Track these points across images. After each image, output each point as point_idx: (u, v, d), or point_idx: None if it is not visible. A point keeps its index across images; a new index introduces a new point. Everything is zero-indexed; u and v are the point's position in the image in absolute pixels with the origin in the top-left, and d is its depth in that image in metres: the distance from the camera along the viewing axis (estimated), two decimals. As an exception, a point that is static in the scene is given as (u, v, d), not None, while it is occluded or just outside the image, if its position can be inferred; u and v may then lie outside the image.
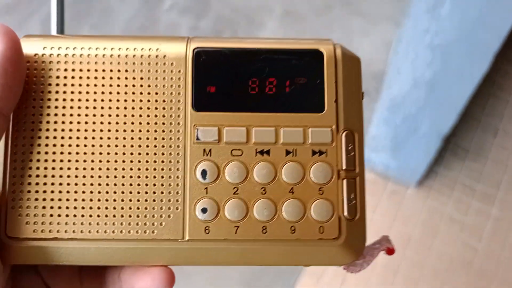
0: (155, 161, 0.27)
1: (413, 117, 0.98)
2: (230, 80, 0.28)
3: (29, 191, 0.27)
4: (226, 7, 1.39)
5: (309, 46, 0.29)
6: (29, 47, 0.28)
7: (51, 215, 0.27)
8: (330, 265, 0.28)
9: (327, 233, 0.27)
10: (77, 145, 0.27)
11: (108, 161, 0.27)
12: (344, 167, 0.28)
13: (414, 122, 0.98)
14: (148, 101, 0.27)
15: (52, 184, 0.27)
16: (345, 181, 0.28)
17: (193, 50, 0.28)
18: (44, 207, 0.27)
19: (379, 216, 1.10)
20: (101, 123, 0.27)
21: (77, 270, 0.30)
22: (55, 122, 0.27)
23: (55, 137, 0.27)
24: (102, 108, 0.27)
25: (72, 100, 0.27)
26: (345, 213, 0.27)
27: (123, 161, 0.27)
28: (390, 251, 0.31)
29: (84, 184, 0.27)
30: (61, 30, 0.31)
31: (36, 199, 0.27)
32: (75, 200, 0.27)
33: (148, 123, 0.27)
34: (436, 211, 1.11)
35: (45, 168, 0.27)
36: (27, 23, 1.28)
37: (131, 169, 0.27)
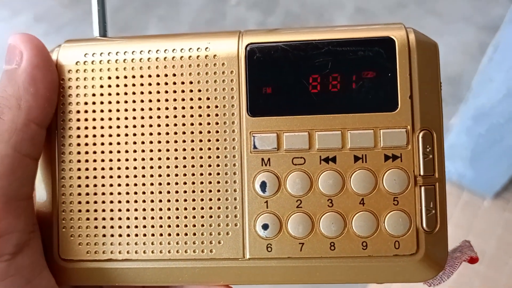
0: (210, 174, 0.25)
1: (500, 127, 0.92)
2: (288, 79, 0.25)
3: (80, 211, 0.25)
4: (295, 3, 1.34)
5: (378, 34, 0.25)
6: (70, 55, 0.26)
7: (104, 235, 0.25)
8: (407, 282, 0.25)
9: (404, 248, 0.24)
10: (127, 160, 0.25)
11: (160, 176, 0.25)
12: (421, 173, 0.24)
13: (500, 133, 0.92)
14: (199, 107, 0.25)
15: (103, 202, 0.25)
16: (423, 188, 0.24)
17: (246, 47, 0.25)
18: (96, 227, 0.25)
19: (452, 228, 1.02)
20: (150, 134, 0.25)
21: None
22: (102, 136, 0.25)
23: (102, 152, 0.25)
24: (150, 117, 0.25)
25: (118, 110, 0.25)
26: (424, 225, 0.24)
27: (176, 175, 0.25)
28: (474, 260, 0.27)
29: (136, 202, 0.25)
30: (104, 31, 0.28)
31: (88, 219, 0.25)
32: (128, 219, 0.25)
33: (200, 132, 0.25)
34: None
35: (95, 186, 0.25)
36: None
37: (185, 183, 0.25)
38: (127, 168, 0.25)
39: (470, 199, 1.07)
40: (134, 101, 0.25)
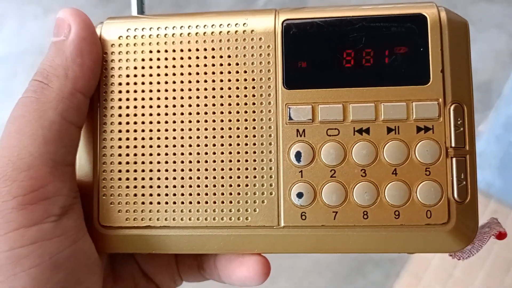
0: (246, 144, 0.26)
1: None
2: (323, 54, 0.26)
3: (120, 179, 0.26)
4: (323, 3, 1.35)
5: (410, 11, 0.26)
6: (113, 30, 0.27)
7: (143, 203, 0.26)
8: (438, 252, 0.26)
9: (435, 217, 0.25)
10: (166, 130, 0.26)
11: (198, 146, 0.26)
12: (453, 145, 0.25)
13: None
14: (237, 80, 0.26)
15: (143, 171, 0.26)
16: (454, 160, 0.25)
17: (282, 23, 0.26)
18: (135, 195, 0.26)
19: None
20: (189, 105, 0.26)
21: (174, 256, 0.30)
22: (143, 107, 0.26)
23: (143, 122, 0.26)
24: (189, 90, 0.26)
25: (158, 83, 0.26)
26: (455, 196, 0.25)
27: (214, 145, 0.26)
28: (502, 235, 0.28)
29: (175, 170, 0.26)
30: (141, 10, 0.30)
31: (128, 187, 0.26)
32: (167, 187, 0.26)
33: (237, 104, 0.26)
34: None
35: (135, 155, 0.26)
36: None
37: (222, 153, 0.26)
38: (166, 138, 0.26)
39: (497, 208, 1.06)
40: (174, 74, 0.26)
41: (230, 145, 0.26)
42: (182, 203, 0.26)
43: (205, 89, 0.26)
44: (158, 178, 0.26)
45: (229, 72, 0.26)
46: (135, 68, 0.26)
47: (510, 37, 1.19)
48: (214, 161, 0.26)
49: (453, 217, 0.25)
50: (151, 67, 0.26)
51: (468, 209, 0.25)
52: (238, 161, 0.26)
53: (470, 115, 0.25)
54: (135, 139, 0.26)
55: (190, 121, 0.26)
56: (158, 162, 0.26)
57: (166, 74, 0.26)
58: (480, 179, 1.03)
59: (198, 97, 0.26)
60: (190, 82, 0.26)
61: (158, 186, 0.26)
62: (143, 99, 0.26)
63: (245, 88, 0.26)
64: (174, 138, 0.26)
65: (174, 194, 0.26)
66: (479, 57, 1.15)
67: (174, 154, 0.26)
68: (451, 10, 0.26)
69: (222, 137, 0.26)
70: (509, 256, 1.03)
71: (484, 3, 1.23)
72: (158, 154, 0.26)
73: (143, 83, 0.26)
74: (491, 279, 1.00)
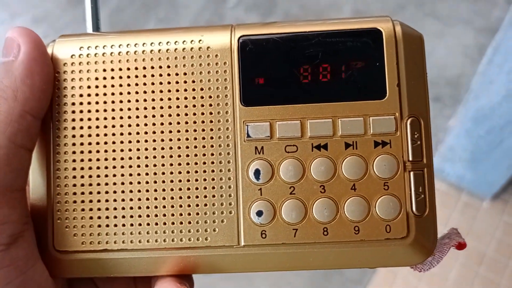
0: (204, 163, 0.25)
1: (500, 129, 0.93)
2: (279, 70, 0.26)
3: (75, 202, 0.25)
4: (293, 4, 1.34)
5: (365, 26, 0.26)
6: (65, 49, 0.26)
7: (99, 226, 0.25)
8: (398, 266, 0.26)
9: (395, 232, 0.25)
10: (122, 150, 0.25)
11: (155, 165, 0.25)
12: (410, 158, 0.25)
13: (501, 135, 0.93)
14: (194, 98, 0.25)
15: (98, 193, 0.25)
16: (412, 173, 0.25)
17: (238, 39, 0.26)
18: (91, 218, 0.25)
19: None
20: (145, 124, 0.25)
21: (132, 277, 0.29)
22: (97, 127, 0.26)
23: (98, 143, 0.26)
24: (145, 109, 0.25)
25: (113, 102, 0.26)
26: (413, 209, 0.25)
27: (171, 165, 0.25)
28: (461, 246, 0.28)
29: (131, 191, 0.25)
30: (96, 27, 0.29)
31: (83, 210, 0.25)
32: (123, 209, 0.25)
33: (194, 122, 0.25)
34: None
35: (90, 177, 0.25)
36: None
37: (180, 172, 0.25)
38: (122, 158, 0.25)
39: (469, 200, 1.07)
40: (128, 93, 0.26)
41: (188, 164, 0.25)
42: (140, 225, 0.25)
43: (161, 107, 0.25)
44: (114, 200, 0.25)
45: (185, 90, 0.26)
46: (89, 87, 0.26)
47: (477, 33, 1.22)
48: (172, 181, 0.25)
49: (412, 230, 0.25)
50: (105, 86, 0.26)
51: (427, 222, 0.25)
52: (196, 180, 0.25)
53: (427, 129, 0.25)
54: (90, 160, 0.25)
55: (146, 141, 0.25)
56: (114, 184, 0.25)
57: (121, 93, 0.26)
58: (451, 172, 1.04)
59: (154, 116, 0.25)
60: (145, 100, 0.26)
61: (115, 208, 0.25)
62: (97, 119, 0.26)
63: (202, 106, 0.25)
64: (130, 158, 0.25)
65: (131, 216, 0.25)
66: (448, 53, 1.17)
67: (130, 175, 0.25)
68: (406, 23, 0.26)
69: (179, 156, 0.25)
70: (482, 248, 1.04)
71: (453, 0, 1.25)
72: (114, 176, 0.25)
73: (97, 103, 0.26)
74: (465, 270, 1.02)
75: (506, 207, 1.07)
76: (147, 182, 0.25)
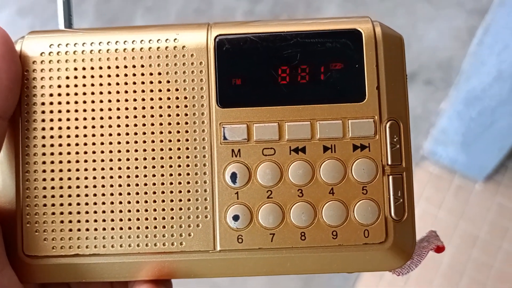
0: (179, 166, 0.25)
1: (491, 111, 0.92)
2: (257, 70, 0.25)
3: (45, 205, 0.24)
4: None
5: (345, 26, 0.25)
6: (34, 46, 0.25)
7: (70, 230, 0.24)
8: (376, 270, 0.25)
9: (373, 237, 0.24)
10: (93, 152, 0.25)
11: (128, 168, 0.25)
12: (389, 162, 0.25)
13: (492, 116, 0.93)
14: (168, 98, 0.25)
15: (70, 196, 0.25)
16: (390, 177, 0.25)
17: (215, 38, 0.25)
18: (62, 222, 0.24)
19: (445, 213, 1.03)
20: (118, 126, 0.25)
21: (109, 282, 0.29)
22: (68, 128, 0.25)
23: (68, 144, 0.25)
24: (118, 109, 0.25)
25: (84, 102, 0.25)
26: (392, 214, 0.25)
27: (145, 167, 0.25)
28: (440, 249, 0.28)
29: (103, 195, 0.24)
30: (69, 23, 0.28)
31: (54, 214, 0.24)
32: (95, 212, 0.24)
33: (169, 124, 0.25)
34: (505, 208, 1.05)
35: (61, 179, 0.25)
36: (81, 6, 1.26)
37: (154, 175, 0.24)
38: (94, 161, 0.25)
39: (462, 183, 1.07)
40: (101, 93, 0.25)
41: (162, 167, 0.25)
42: (112, 229, 0.24)
43: (135, 108, 0.25)
44: (86, 203, 0.25)
45: (160, 90, 0.25)
46: (59, 86, 0.25)
47: (468, 15, 1.22)
48: (146, 184, 0.25)
49: (390, 235, 0.25)
50: (76, 86, 0.25)
51: (405, 227, 0.25)
52: (171, 183, 0.25)
53: (406, 132, 0.25)
54: (61, 162, 0.25)
55: (119, 142, 0.25)
56: (86, 187, 0.25)
57: (93, 93, 0.25)
58: (444, 155, 1.04)
59: (127, 117, 0.25)
60: (118, 101, 0.25)
61: (86, 212, 0.25)
62: (68, 119, 0.25)
63: (177, 107, 0.25)
64: (102, 160, 0.25)
65: (104, 220, 0.24)
66: (439, 36, 1.17)
67: (103, 177, 0.25)
68: (385, 24, 0.26)
69: (153, 158, 0.25)
70: (475, 231, 1.05)
71: (444, -17, 1.24)
72: (86, 178, 0.25)
73: (68, 103, 0.25)
74: (458, 253, 1.02)
75: (499, 188, 1.07)
76: (119, 185, 0.24)
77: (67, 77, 0.25)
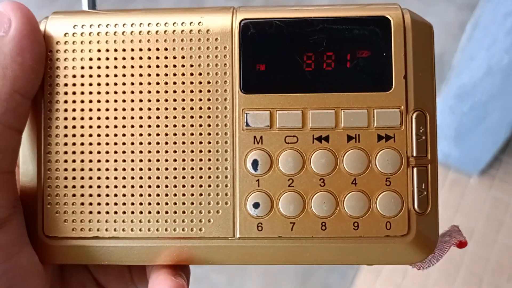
0: (200, 151, 0.24)
1: (483, 105, 0.92)
2: (282, 56, 0.24)
3: (66, 187, 0.24)
4: None
5: (373, 13, 0.25)
6: (58, 26, 0.25)
7: (91, 212, 0.24)
8: (397, 263, 0.25)
9: (395, 229, 0.24)
10: (115, 135, 0.24)
11: (149, 152, 0.24)
12: (414, 154, 0.24)
13: (484, 110, 0.93)
14: (191, 83, 0.24)
15: (90, 178, 0.24)
16: (415, 169, 0.24)
17: (240, 23, 0.25)
18: (83, 204, 0.24)
19: (440, 207, 1.02)
20: (140, 109, 0.24)
21: (127, 265, 0.29)
22: (90, 110, 0.25)
23: (91, 126, 0.25)
24: (140, 92, 0.24)
25: (107, 84, 0.25)
26: (415, 207, 0.24)
27: (166, 152, 0.24)
28: (462, 244, 0.27)
29: (124, 178, 0.24)
30: (92, 4, 0.28)
31: (74, 195, 0.24)
32: (116, 195, 0.24)
33: (191, 108, 0.24)
34: (500, 201, 1.05)
35: (82, 161, 0.24)
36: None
37: (175, 160, 0.24)
38: (115, 143, 0.24)
39: (456, 178, 1.08)
40: (124, 75, 0.25)
41: (184, 152, 0.24)
42: (132, 212, 0.24)
43: (157, 91, 0.24)
44: (107, 186, 0.24)
45: (183, 74, 0.24)
46: (82, 68, 0.25)
47: (458, 10, 1.20)
48: (167, 169, 0.24)
49: (413, 228, 0.24)
50: (99, 67, 0.25)
51: (428, 220, 0.24)
52: (192, 169, 0.24)
53: (432, 123, 0.24)
54: (82, 144, 0.25)
55: (141, 126, 0.24)
56: (107, 169, 0.24)
57: (116, 75, 0.25)
58: (438, 150, 1.06)
59: (149, 101, 0.24)
60: (141, 84, 0.24)
61: (107, 195, 0.24)
62: (90, 101, 0.25)
63: (200, 91, 0.24)
64: (124, 144, 0.24)
65: (124, 204, 0.24)
66: None
67: (124, 160, 0.24)
68: (415, 12, 0.25)
69: (175, 143, 0.24)
70: (470, 224, 1.05)
71: (434, -22, 1.23)
72: (107, 161, 0.24)
73: (90, 84, 0.25)
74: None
75: (493, 182, 1.07)
76: (141, 169, 0.24)
77: (90, 59, 0.25)
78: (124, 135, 0.24)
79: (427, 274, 1.00)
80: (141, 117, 0.24)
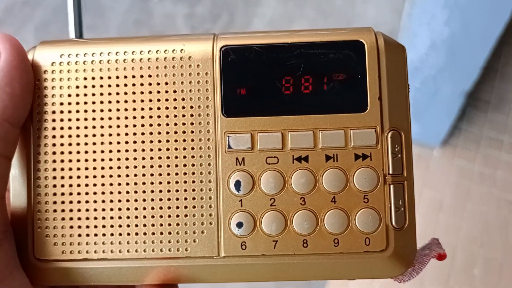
0: (185, 173, 0.25)
1: (433, 79, 0.95)
2: (262, 81, 0.25)
3: (55, 210, 0.25)
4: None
5: (348, 37, 0.26)
6: (46, 56, 0.26)
7: (80, 235, 0.25)
8: (377, 278, 0.26)
9: (374, 245, 0.25)
10: (102, 160, 0.25)
11: (136, 175, 0.25)
12: (390, 172, 0.25)
13: (435, 84, 0.96)
14: (175, 108, 0.25)
15: (79, 202, 0.25)
16: (392, 186, 0.25)
17: (220, 49, 0.26)
18: (72, 227, 0.25)
19: None
20: (126, 134, 0.25)
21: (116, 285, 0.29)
22: (78, 136, 0.25)
23: (78, 152, 0.25)
24: (126, 118, 0.25)
25: (94, 111, 0.25)
26: (393, 222, 0.25)
27: (152, 175, 0.25)
28: (442, 257, 0.28)
29: (112, 201, 0.25)
30: (79, 33, 0.29)
31: (63, 219, 0.25)
32: (104, 218, 0.25)
33: (175, 132, 0.25)
34: (465, 169, 1.07)
35: (70, 186, 0.25)
36: (20, 33, 1.26)
37: (161, 182, 0.25)
38: (102, 168, 0.25)
39: (420, 152, 1.10)
40: (109, 102, 0.25)
41: (169, 174, 0.25)
42: (120, 234, 0.25)
43: (142, 117, 0.25)
44: (95, 209, 0.25)
45: (167, 100, 0.25)
46: (69, 95, 0.26)
47: None
48: (152, 191, 0.25)
49: (391, 243, 0.25)
50: (85, 95, 0.26)
51: (406, 235, 0.25)
52: (177, 191, 0.25)
53: (408, 141, 0.25)
54: (70, 169, 0.25)
55: (126, 150, 0.25)
56: (95, 193, 0.25)
57: (102, 102, 0.25)
58: None
59: (134, 126, 0.25)
60: (126, 110, 0.25)
61: (95, 218, 0.25)
62: (77, 128, 0.25)
63: (183, 116, 0.25)
64: (111, 168, 0.25)
65: (112, 226, 0.25)
66: (378, 12, 1.18)
67: (111, 184, 0.25)
68: (387, 35, 0.26)
69: (160, 166, 0.25)
70: (439, 196, 1.06)
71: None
72: (94, 185, 0.25)
73: (77, 111, 0.26)
74: (426, 220, 1.02)
75: (456, 151, 1.10)
76: (127, 192, 0.25)
77: (77, 86, 0.26)
78: (110, 159, 0.25)
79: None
80: (126, 142, 0.25)
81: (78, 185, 0.25)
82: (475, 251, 1.01)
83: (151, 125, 0.25)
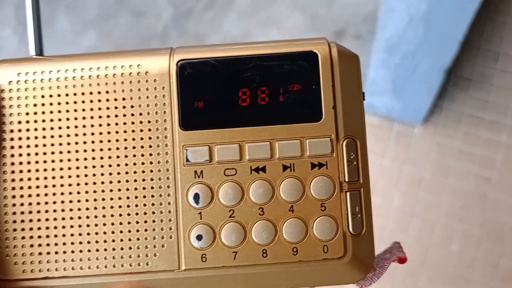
0: (144, 188, 0.25)
1: (412, 55, 0.96)
2: (218, 93, 0.26)
3: (15, 230, 0.25)
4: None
5: (302, 48, 0.26)
6: (3, 75, 0.26)
7: (40, 253, 0.25)
8: (337, 284, 0.26)
9: (332, 252, 0.25)
10: (61, 177, 0.25)
11: (94, 192, 0.25)
12: (346, 179, 0.26)
13: (414, 59, 0.96)
14: (133, 123, 0.26)
15: (39, 220, 0.25)
16: (348, 194, 0.26)
17: (177, 63, 0.26)
18: (32, 246, 0.25)
19: (389, 161, 1.07)
20: (85, 151, 0.26)
21: None
22: (36, 154, 0.26)
23: (37, 170, 0.26)
24: (84, 134, 0.26)
25: (52, 129, 0.26)
26: (350, 229, 0.25)
27: (110, 190, 0.25)
28: (402, 260, 0.29)
29: (71, 218, 0.25)
30: (39, 50, 0.29)
31: (23, 238, 0.25)
32: (64, 236, 0.25)
33: (134, 147, 0.26)
34: (445, 146, 1.08)
35: (30, 204, 0.25)
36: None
37: (119, 198, 0.25)
38: (62, 185, 0.25)
39: (401, 129, 1.11)
40: (67, 119, 0.26)
41: (127, 189, 0.25)
42: (81, 251, 0.25)
43: (100, 133, 0.26)
44: (55, 227, 0.25)
45: (124, 115, 0.26)
46: (27, 114, 0.26)
47: None
48: (112, 207, 0.25)
49: (349, 250, 0.25)
50: (43, 113, 0.26)
51: (363, 241, 0.26)
52: (136, 205, 0.25)
53: (363, 149, 0.26)
54: (30, 187, 0.25)
55: (85, 167, 0.25)
56: (54, 211, 0.25)
57: (60, 120, 0.26)
58: (380, 105, 1.08)
59: (93, 142, 0.26)
60: (84, 126, 0.26)
61: (55, 236, 0.25)
62: (36, 145, 0.26)
63: (141, 130, 0.26)
64: (70, 185, 0.25)
65: (72, 243, 0.25)
66: None
67: (70, 201, 0.25)
68: (341, 45, 0.27)
69: (119, 182, 0.25)
70: (419, 173, 1.07)
71: None
72: (54, 202, 0.25)
73: (36, 130, 0.26)
74: (406, 197, 1.05)
75: (437, 128, 1.11)
76: (87, 209, 0.25)
77: (35, 105, 0.26)
78: (69, 176, 0.25)
79: (382, 226, 1.04)
80: (85, 159, 0.25)
81: (38, 203, 0.25)
82: (454, 226, 1.03)
83: (109, 141, 0.26)
